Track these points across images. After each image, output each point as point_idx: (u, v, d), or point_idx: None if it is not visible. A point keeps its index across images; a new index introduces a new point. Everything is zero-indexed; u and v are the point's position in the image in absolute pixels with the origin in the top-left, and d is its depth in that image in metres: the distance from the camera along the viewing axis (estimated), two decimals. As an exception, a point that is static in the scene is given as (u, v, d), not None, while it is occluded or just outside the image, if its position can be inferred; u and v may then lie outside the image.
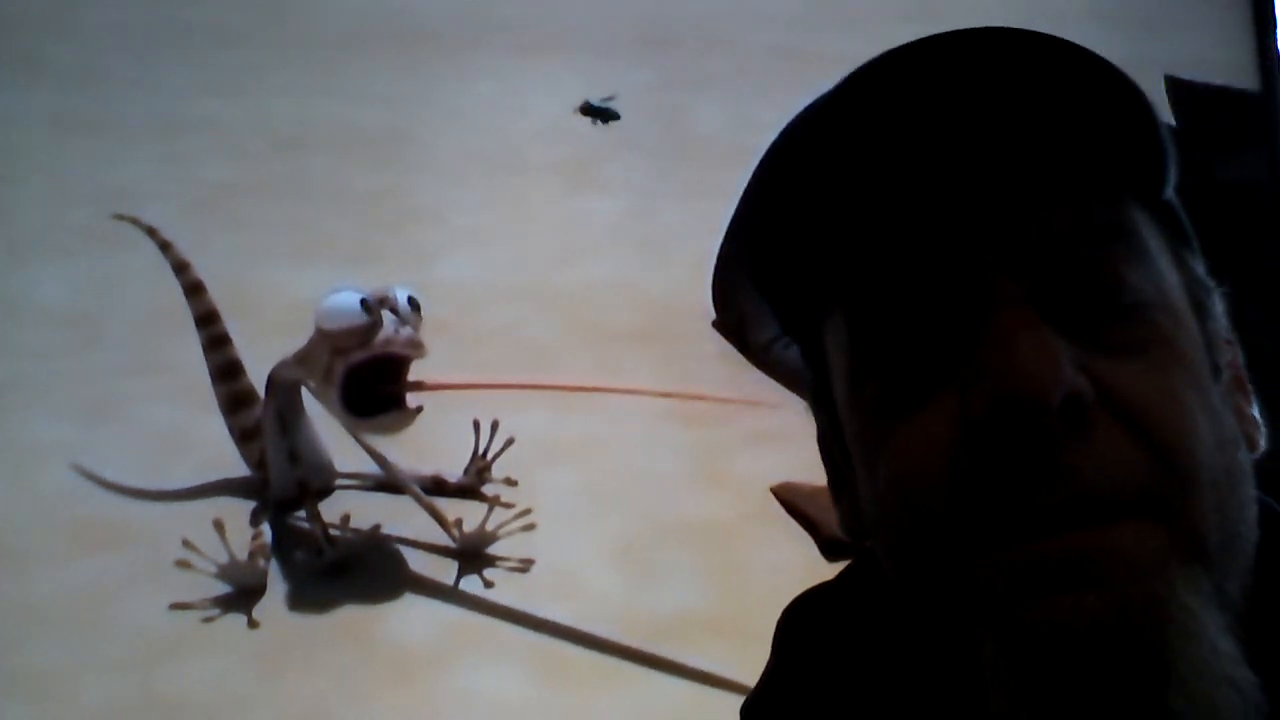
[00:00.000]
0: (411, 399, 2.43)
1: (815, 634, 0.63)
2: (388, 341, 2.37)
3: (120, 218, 3.08)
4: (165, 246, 2.93)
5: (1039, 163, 0.52)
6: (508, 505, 2.64)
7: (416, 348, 2.41)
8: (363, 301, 2.39)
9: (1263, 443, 0.57)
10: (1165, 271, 0.55)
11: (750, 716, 0.64)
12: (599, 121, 2.92)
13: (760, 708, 0.63)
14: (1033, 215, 0.52)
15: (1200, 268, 0.58)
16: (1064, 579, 0.47)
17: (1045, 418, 0.48)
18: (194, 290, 2.86)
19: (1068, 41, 0.52)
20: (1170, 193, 0.57)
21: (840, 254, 0.54)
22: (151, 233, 2.96)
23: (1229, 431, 0.53)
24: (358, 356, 2.37)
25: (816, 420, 0.64)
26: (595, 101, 2.90)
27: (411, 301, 2.45)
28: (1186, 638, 0.47)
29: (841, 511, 0.62)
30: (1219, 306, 0.59)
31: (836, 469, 0.62)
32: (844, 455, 0.59)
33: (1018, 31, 0.52)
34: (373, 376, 2.39)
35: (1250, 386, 0.59)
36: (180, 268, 2.89)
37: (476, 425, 2.74)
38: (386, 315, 2.40)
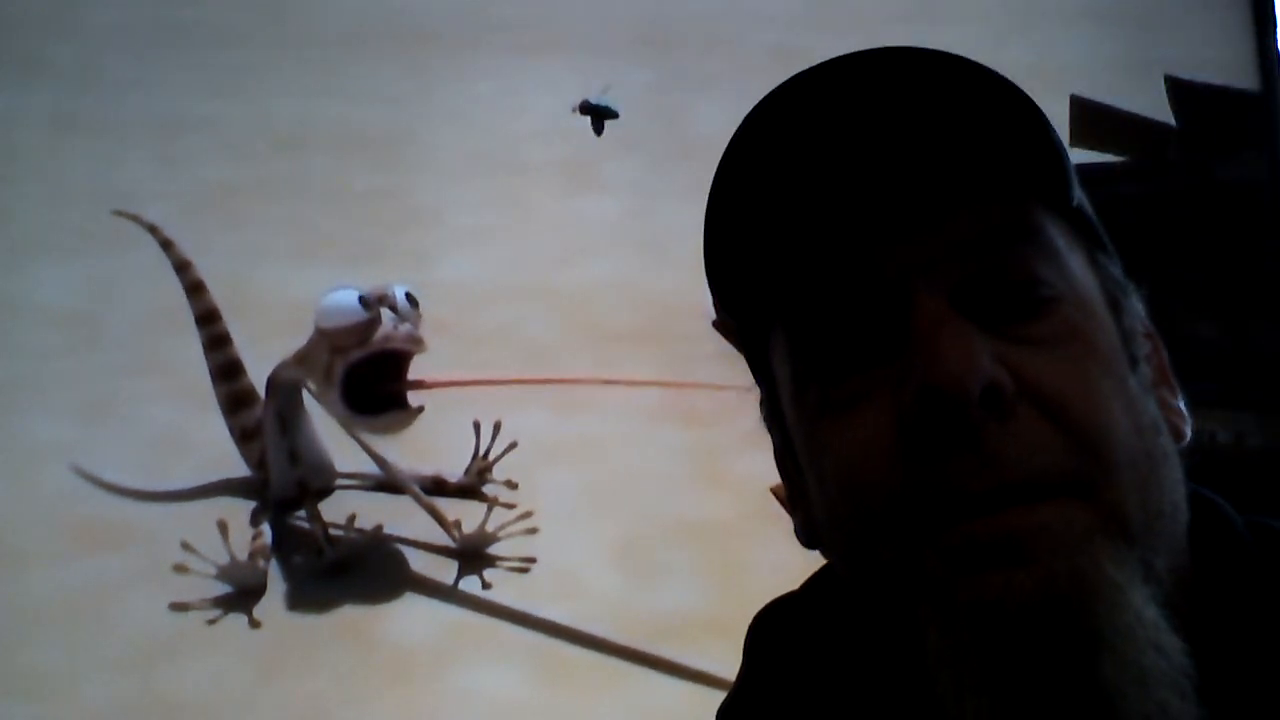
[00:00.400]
0: (413, 398, 2.43)
1: (782, 639, 0.67)
2: (386, 338, 2.37)
3: (121, 214, 3.07)
4: (167, 245, 2.93)
5: (948, 172, 0.55)
6: (508, 506, 2.64)
7: (416, 343, 2.41)
8: (361, 299, 2.39)
9: (1188, 431, 0.60)
10: (1077, 270, 0.58)
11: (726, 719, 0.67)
12: (598, 124, 2.91)
13: (734, 712, 0.67)
14: (946, 220, 0.55)
15: (1116, 268, 0.62)
16: (994, 558, 0.50)
17: (967, 408, 0.51)
18: (195, 289, 2.85)
19: (969, 60, 0.55)
20: (1079, 198, 0.60)
21: (771, 268, 0.57)
22: (153, 230, 2.96)
23: (1148, 419, 0.56)
24: (357, 354, 2.37)
25: (771, 437, 0.66)
26: (593, 98, 2.89)
27: (410, 298, 2.45)
28: (1113, 608, 0.49)
29: (797, 521, 0.65)
30: (1137, 304, 0.62)
31: (792, 481, 0.64)
32: (797, 467, 0.62)
33: (921, 51, 0.55)
34: (373, 374, 2.39)
35: (1175, 380, 0.62)
36: (181, 267, 2.89)
37: (477, 426, 2.74)
38: (385, 313, 2.40)
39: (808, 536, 0.64)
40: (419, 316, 2.46)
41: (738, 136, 0.58)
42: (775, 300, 0.58)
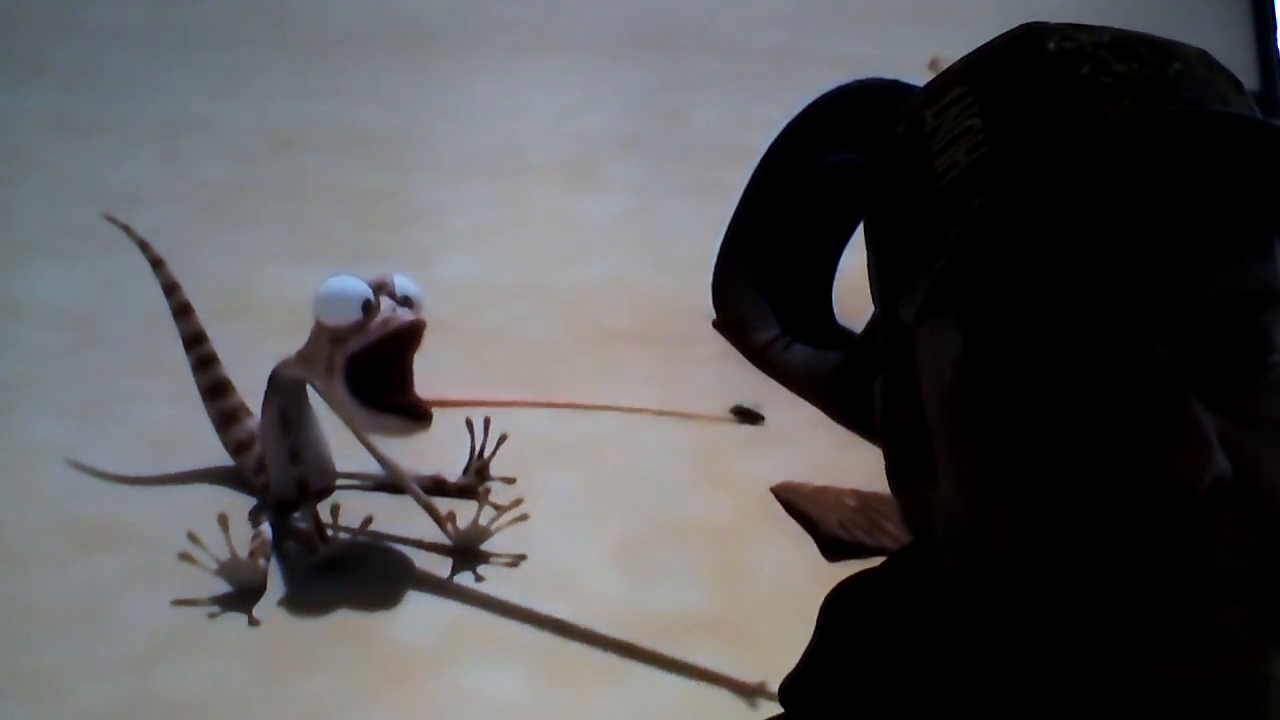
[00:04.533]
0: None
1: (860, 617, 0.63)
2: (385, 323, 2.37)
3: (112, 221, 3.01)
4: (157, 264, 2.89)
5: (1204, 227, 0.52)
6: (499, 508, 2.63)
7: (416, 325, 2.41)
8: (358, 287, 2.40)
9: None
10: None
11: (790, 696, 0.64)
12: (745, 421, 3.03)
13: (800, 687, 0.64)
14: (1189, 278, 0.51)
15: None
16: (1175, 651, 0.49)
17: (1190, 505, 0.48)
18: (182, 311, 2.84)
19: (1248, 117, 0.52)
20: None
21: (992, 272, 0.52)
22: (144, 247, 2.91)
23: None
24: (356, 344, 2.37)
25: (885, 404, 0.62)
26: (746, 403, 3.03)
27: (409, 288, 2.45)
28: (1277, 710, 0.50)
29: (905, 502, 0.62)
30: None
31: (903, 459, 0.61)
32: (923, 450, 0.58)
33: (1229, 116, 0.52)
34: (378, 360, 2.39)
35: None
36: (170, 289, 2.86)
37: (469, 424, 2.73)
38: (384, 300, 2.40)
39: (915, 525, 0.61)
40: (420, 305, 2.45)
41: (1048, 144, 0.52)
42: (971, 292, 0.53)
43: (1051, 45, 0.55)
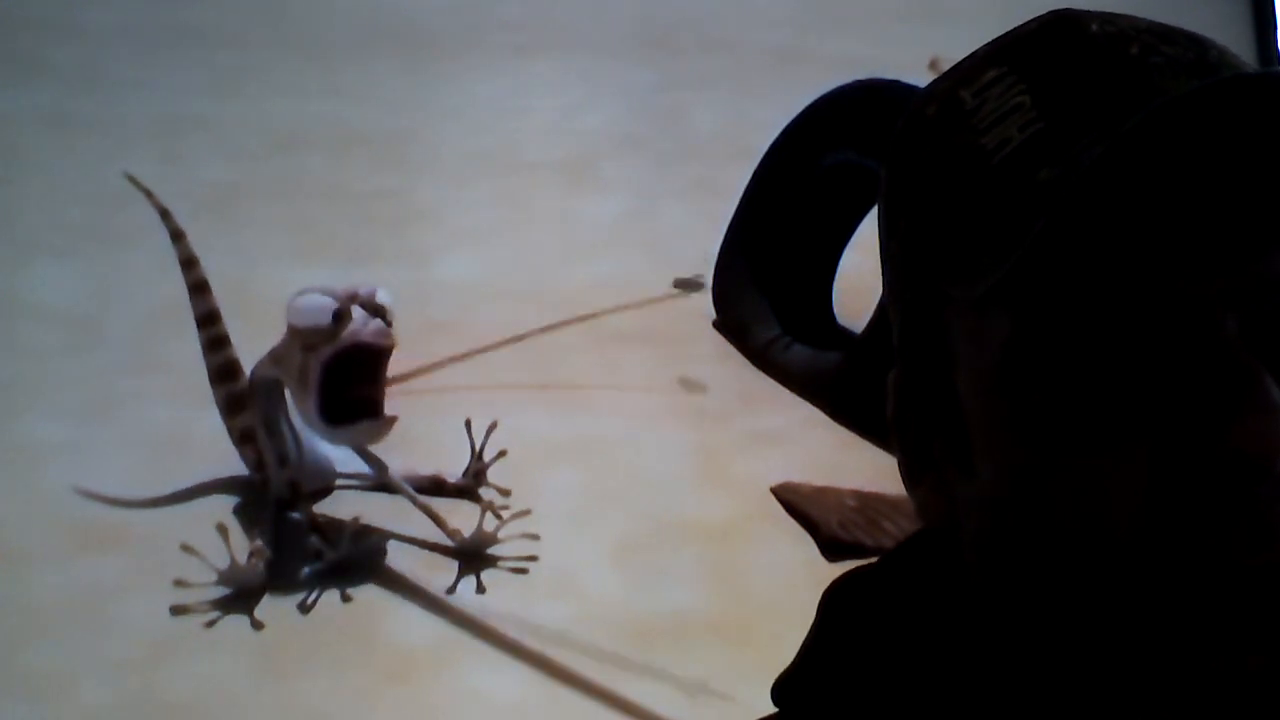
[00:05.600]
0: (388, 406, 2.43)
1: (859, 613, 0.62)
2: (355, 334, 2.38)
3: (134, 183, 2.88)
4: (177, 236, 2.82)
5: (1269, 201, 0.51)
6: (502, 511, 2.62)
7: (386, 338, 2.41)
8: (329, 296, 2.41)
9: None
10: None
11: (784, 692, 0.63)
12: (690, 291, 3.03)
13: (795, 685, 0.62)
14: (1259, 253, 0.50)
15: None
16: (1235, 635, 0.48)
17: (1265, 481, 0.47)
18: (198, 288, 2.82)
19: None
20: None
21: (1057, 249, 0.51)
22: (165, 215, 2.83)
23: None
24: (327, 351, 2.38)
25: (899, 397, 0.61)
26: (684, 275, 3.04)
27: (384, 299, 2.46)
28: None
29: (921, 496, 0.60)
30: None
31: (923, 452, 0.60)
32: (952, 445, 0.57)
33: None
34: (348, 377, 2.40)
35: None
36: (188, 263, 2.82)
37: (468, 425, 2.72)
38: (355, 310, 2.40)
39: (935, 518, 0.59)
40: (392, 314, 2.46)
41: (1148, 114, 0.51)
42: (1031, 286, 0.52)
43: (1095, 27, 0.54)
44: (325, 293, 2.44)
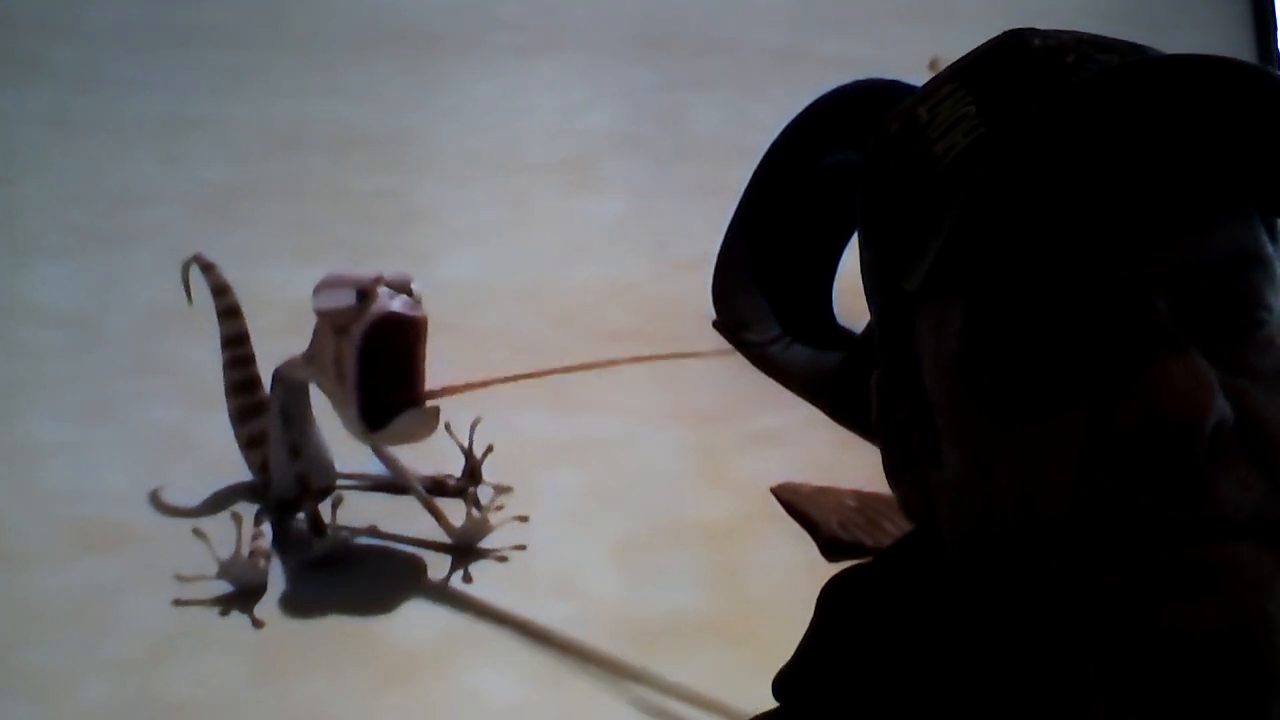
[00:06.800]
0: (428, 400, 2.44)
1: (857, 609, 0.63)
2: (383, 306, 2.38)
3: (200, 264, 2.83)
4: (221, 291, 2.79)
5: (1198, 182, 0.53)
6: (496, 505, 2.63)
7: (417, 309, 2.41)
8: (353, 273, 2.41)
9: None
10: None
11: (785, 687, 0.64)
12: None
13: (796, 680, 0.63)
14: (1185, 235, 0.53)
15: None
16: (1186, 590, 0.50)
17: (1195, 444, 0.49)
18: (230, 313, 2.79)
19: (1252, 66, 0.52)
20: None
21: (991, 243, 0.54)
22: (208, 270, 2.81)
23: None
24: (358, 330, 2.37)
25: (881, 398, 0.63)
26: None
27: (407, 278, 2.47)
28: None
29: (904, 493, 0.62)
30: None
31: (903, 449, 0.62)
32: (924, 439, 0.59)
33: (1205, 58, 0.52)
34: (385, 358, 2.39)
35: None
36: (220, 290, 2.80)
37: (448, 427, 2.64)
38: (381, 289, 2.40)
39: (917, 513, 0.62)
40: (418, 296, 2.46)
41: (1040, 103, 0.54)
42: (979, 274, 0.54)
43: (1037, 42, 0.58)
44: (348, 274, 2.44)
